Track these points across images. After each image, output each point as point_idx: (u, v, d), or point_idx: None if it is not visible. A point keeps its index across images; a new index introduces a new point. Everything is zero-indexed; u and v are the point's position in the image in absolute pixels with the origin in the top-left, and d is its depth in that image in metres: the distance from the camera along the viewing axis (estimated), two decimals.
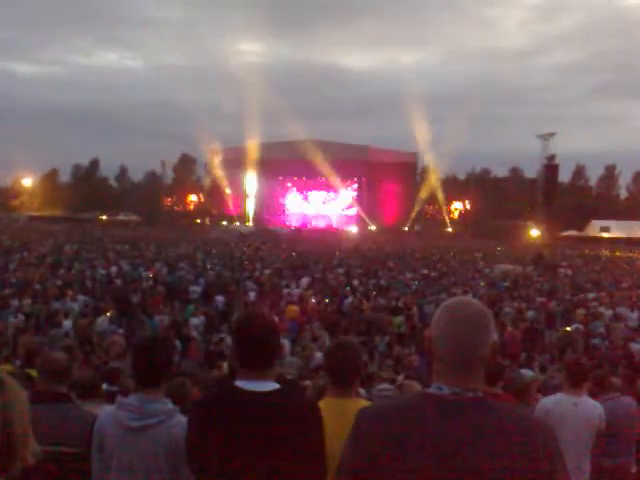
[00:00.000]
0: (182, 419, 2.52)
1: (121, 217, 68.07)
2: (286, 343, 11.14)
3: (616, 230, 61.55)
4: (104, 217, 68.23)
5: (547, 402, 4.51)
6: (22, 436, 1.49)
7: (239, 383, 2.27)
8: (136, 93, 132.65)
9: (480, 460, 1.56)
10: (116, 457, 2.50)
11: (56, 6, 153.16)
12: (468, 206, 66.85)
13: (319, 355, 9.17)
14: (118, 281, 17.80)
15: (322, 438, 2.25)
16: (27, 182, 74.69)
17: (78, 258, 24.38)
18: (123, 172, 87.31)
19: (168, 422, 2.52)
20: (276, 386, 2.28)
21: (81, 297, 14.19)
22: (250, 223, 60.12)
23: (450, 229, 60.45)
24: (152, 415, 2.51)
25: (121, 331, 10.54)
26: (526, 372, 7.56)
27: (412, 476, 1.59)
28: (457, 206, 67.68)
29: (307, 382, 6.42)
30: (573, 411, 4.29)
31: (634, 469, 4.96)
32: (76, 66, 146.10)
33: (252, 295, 16.70)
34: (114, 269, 20.77)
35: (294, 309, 14.62)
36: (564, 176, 69.59)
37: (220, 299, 15.78)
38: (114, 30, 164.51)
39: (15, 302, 12.72)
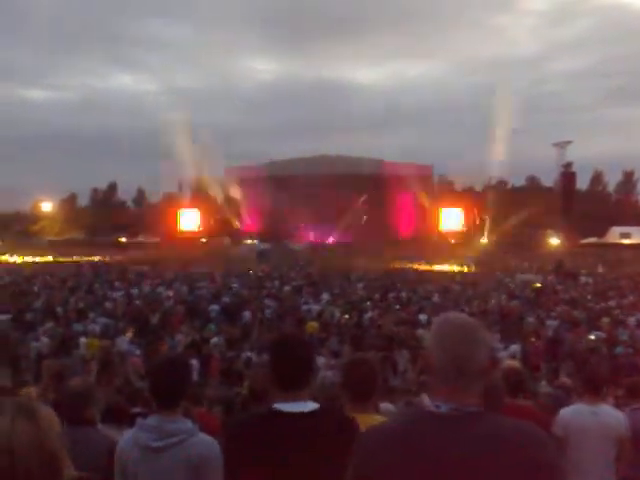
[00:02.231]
0: (203, 437, 2.52)
1: (140, 239, 68.62)
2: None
3: (637, 236, 60.82)
4: (123, 239, 68.86)
5: (566, 413, 4.41)
6: (63, 461, 1.51)
7: (277, 405, 2.25)
8: (150, 115, 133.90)
9: (482, 475, 1.55)
10: (138, 478, 2.50)
11: (69, 30, 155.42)
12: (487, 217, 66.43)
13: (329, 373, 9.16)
14: (138, 302, 17.92)
15: None
16: (46, 207, 75.60)
17: (98, 280, 24.60)
18: (140, 194, 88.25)
19: (189, 441, 2.51)
20: (315, 406, 2.27)
21: (102, 319, 14.29)
22: (267, 241, 60.26)
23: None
24: (172, 435, 2.51)
25: (138, 352, 10.58)
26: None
27: None
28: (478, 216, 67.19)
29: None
30: (593, 421, 4.21)
31: None
32: (90, 89, 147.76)
33: (268, 312, 16.69)
34: (134, 290, 20.93)
35: (314, 325, 14.63)
36: (582, 183, 69.19)
37: (247, 314, 15.89)
38: (128, 52, 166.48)
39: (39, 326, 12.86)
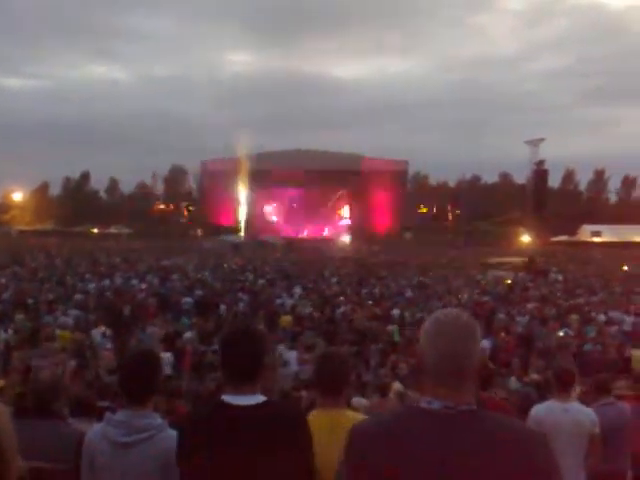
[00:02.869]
0: (172, 433, 2.52)
1: (112, 230, 67.89)
2: (285, 352, 11.13)
3: (607, 234, 61.89)
4: (95, 230, 68.04)
5: (539, 410, 4.48)
6: (11, 451, 1.49)
7: (226, 397, 2.27)
8: (126, 105, 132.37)
9: (476, 474, 1.56)
10: (107, 474, 2.49)
11: (44, 19, 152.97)
12: (459, 213, 67.02)
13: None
14: (109, 294, 17.72)
15: (311, 450, 2.25)
16: (17, 196, 74.36)
17: (69, 272, 24.26)
18: (114, 184, 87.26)
19: (158, 436, 2.50)
20: (262, 399, 2.27)
21: (73, 311, 14.11)
22: (242, 234, 60.03)
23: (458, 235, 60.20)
24: (142, 430, 2.49)
25: (109, 345, 10.49)
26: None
27: None
28: (452, 212, 67.75)
29: (303, 393, 6.41)
30: (565, 418, 4.28)
31: (630, 475, 4.95)
32: (65, 79, 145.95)
33: (241, 306, 16.64)
34: (106, 282, 20.70)
35: (287, 319, 14.64)
36: (554, 181, 70.13)
37: (222, 308, 15.83)
38: (103, 42, 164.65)
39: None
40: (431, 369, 1.68)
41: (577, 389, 6.32)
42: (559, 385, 4.56)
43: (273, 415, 2.26)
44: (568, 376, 4.56)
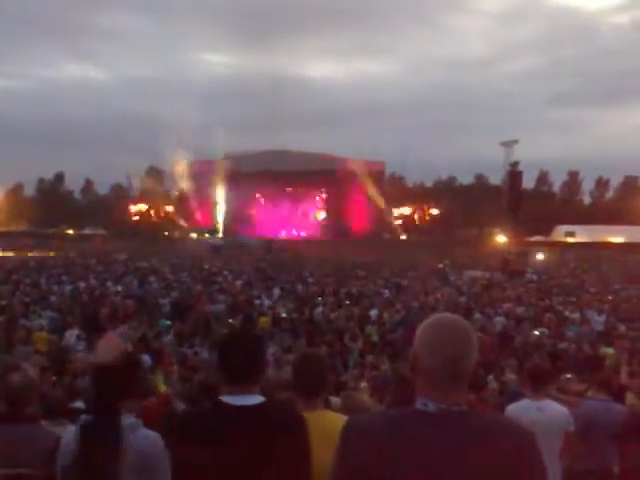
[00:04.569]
0: (147, 432, 2.52)
1: (87, 231, 67.16)
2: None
3: (581, 235, 62.75)
4: (70, 231, 67.22)
5: (514, 410, 4.52)
6: None
7: (225, 398, 2.27)
8: (101, 106, 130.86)
9: (470, 474, 1.58)
10: None
11: (17, 19, 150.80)
12: (436, 214, 67.39)
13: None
14: (85, 296, 17.55)
15: (309, 450, 2.25)
16: None
17: (44, 274, 23.97)
18: (89, 185, 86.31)
19: (132, 436, 2.50)
20: (262, 399, 2.29)
21: (48, 313, 13.95)
22: (220, 235, 59.78)
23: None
24: None
25: (81, 348, 10.40)
26: None
27: None
28: (428, 213, 68.08)
29: (282, 394, 6.40)
30: (540, 416, 4.33)
31: (616, 470, 5.01)
32: (39, 79, 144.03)
33: (221, 307, 16.56)
34: (82, 284, 20.49)
35: (266, 320, 14.63)
36: (528, 182, 70.89)
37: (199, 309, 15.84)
38: (77, 42, 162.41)
39: None
40: (427, 372, 1.69)
41: (578, 388, 6.42)
42: (533, 384, 4.62)
43: (274, 415, 2.27)
44: (541, 376, 4.62)
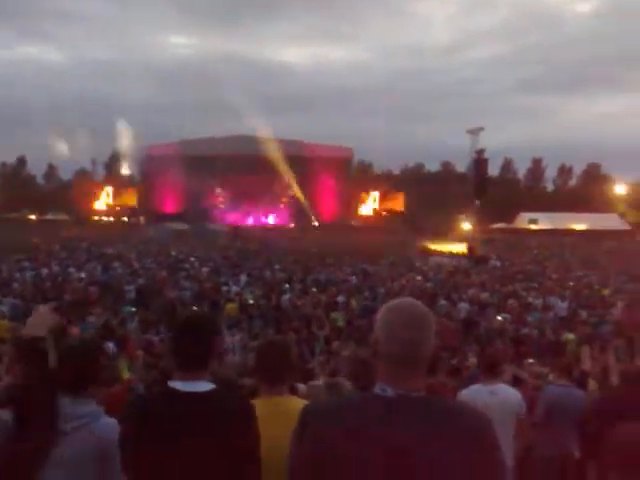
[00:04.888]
0: (109, 420, 2.52)
1: (50, 216, 65.87)
2: (229, 340, 11.13)
3: (544, 222, 63.85)
4: (32, 216, 65.87)
5: (467, 394, 4.55)
6: None
7: (174, 384, 2.27)
8: (62, 88, 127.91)
9: (428, 458, 1.59)
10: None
11: None
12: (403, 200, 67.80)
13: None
14: (48, 283, 17.26)
15: (257, 439, 2.26)
16: None
17: (5, 259, 23.47)
18: (52, 170, 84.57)
19: (94, 424, 2.49)
20: (211, 386, 2.28)
21: (10, 300, 13.69)
22: (185, 221, 59.21)
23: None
24: (77, 418, 2.48)
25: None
26: None
27: (362, 476, 1.60)
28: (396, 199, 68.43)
29: (246, 380, 6.41)
30: (492, 400, 4.36)
31: (577, 455, 5.10)
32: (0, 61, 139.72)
33: (187, 294, 16.45)
34: (44, 270, 20.14)
35: (233, 307, 14.58)
36: (493, 169, 71.74)
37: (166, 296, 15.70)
38: (37, 23, 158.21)
39: None
40: (386, 356, 1.71)
41: (550, 376, 6.52)
42: (485, 369, 4.69)
43: (222, 402, 2.27)
44: (493, 360, 4.68)
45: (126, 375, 6.45)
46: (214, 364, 2.44)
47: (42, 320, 2.16)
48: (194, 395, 2.23)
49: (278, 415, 2.48)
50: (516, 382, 5.95)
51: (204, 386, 2.27)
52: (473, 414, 1.72)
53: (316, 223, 60.41)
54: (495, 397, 4.41)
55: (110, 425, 2.50)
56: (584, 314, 14.48)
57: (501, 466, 1.67)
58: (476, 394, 4.46)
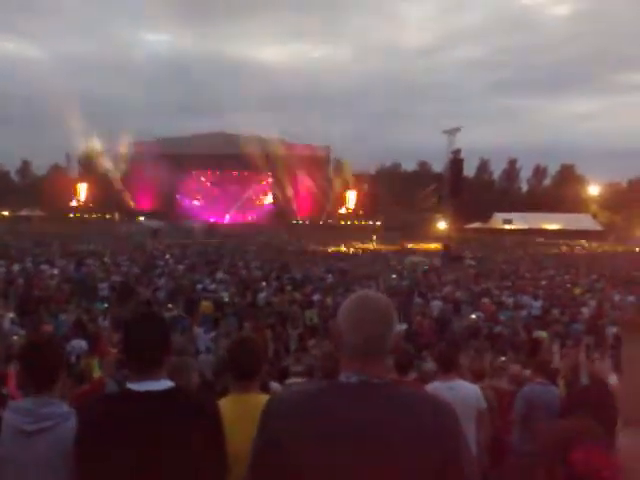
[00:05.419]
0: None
1: (24, 212, 64.93)
2: (202, 335, 11.06)
3: (518, 222, 64.59)
4: (6, 213, 64.87)
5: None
6: None
7: (130, 385, 2.22)
8: (35, 83, 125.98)
9: (389, 443, 1.61)
10: (10, 462, 2.40)
11: None
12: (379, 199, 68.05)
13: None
14: (20, 279, 17.00)
15: (221, 436, 2.21)
16: None
17: None
18: (26, 166, 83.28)
19: (63, 425, 2.43)
20: (169, 384, 2.23)
21: None
22: (160, 218, 58.78)
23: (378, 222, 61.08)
24: (46, 418, 2.42)
25: (22, 332, 10.07)
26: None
27: (324, 463, 1.62)
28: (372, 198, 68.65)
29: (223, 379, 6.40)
30: (451, 395, 4.38)
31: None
32: None
33: (162, 294, 16.25)
34: (16, 267, 19.84)
35: (208, 305, 14.49)
36: (469, 170, 72.34)
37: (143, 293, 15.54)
38: (11, 19, 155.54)
39: None
40: (348, 345, 1.73)
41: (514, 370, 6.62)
42: (441, 366, 4.84)
43: (180, 400, 2.22)
44: (448, 358, 4.83)
45: (97, 373, 6.38)
46: (169, 362, 2.38)
47: None
48: (149, 394, 2.17)
49: (246, 413, 2.47)
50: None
51: (161, 384, 2.20)
52: (435, 400, 1.76)
53: (294, 221, 60.35)
54: (453, 392, 4.47)
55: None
56: (556, 312, 14.68)
57: (467, 451, 1.71)
58: (434, 390, 4.53)
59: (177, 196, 61.85)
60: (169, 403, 2.19)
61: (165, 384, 2.23)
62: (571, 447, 1.88)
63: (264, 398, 2.75)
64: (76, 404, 2.72)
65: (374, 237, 46.34)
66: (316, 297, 16.15)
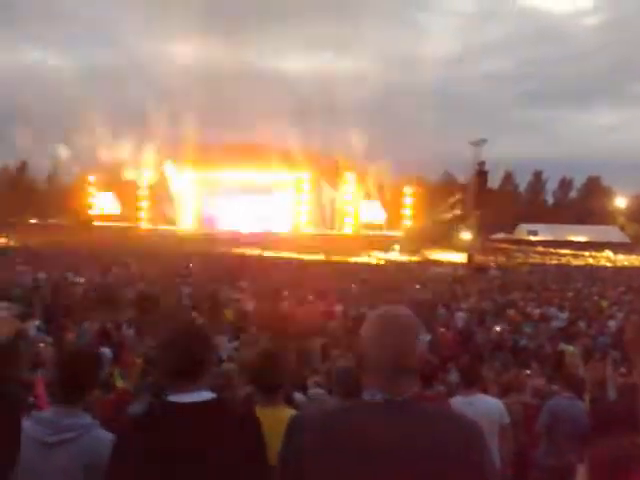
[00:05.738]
0: (101, 433, 2.42)
1: (51, 221, 65.85)
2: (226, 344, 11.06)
3: (543, 233, 63.87)
4: (34, 221, 65.88)
5: None
6: None
7: (171, 397, 2.18)
8: (65, 94, 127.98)
9: (417, 462, 1.59)
10: (30, 474, 2.34)
11: None
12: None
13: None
14: (46, 287, 17.22)
15: (262, 447, 2.18)
16: None
17: (5, 264, 23.47)
18: (53, 174, 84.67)
19: (85, 437, 2.40)
20: (211, 395, 2.19)
21: (5, 304, 13.62)
22: (187, 227, 59.27)
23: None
24: (68, 429, 2.40)
25: (49, 339, 10.16)
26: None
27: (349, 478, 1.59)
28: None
29: (248, 388, 6.36)
30: (470, 411, 4.36)
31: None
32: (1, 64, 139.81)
33: (186, 300, 16.39)
34: (42, 275, 20.12)
35: (230, 313, 14.53)
36: (494, 182, 71.84)
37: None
38: (38, 27, 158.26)
39: None
40: (373, 363, 1.71)
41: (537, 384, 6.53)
42: (463, 381, 4.81)
43: (223, 411, 2.19)
44: (470, 373, 4.79)
45: (120, 383, 6.37)
46: (211, 372, 2.36)
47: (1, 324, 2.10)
48: (191, 405, 2.13)
49: (270, 425, 2.44)
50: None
51: (202, 395, 2.17)
52: (460, 418, 1.74)
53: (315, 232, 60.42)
54: (473, 407, 4.41)
55: (102, 439, 2.38)
56: (583, 325, 14.44)
57: (492, 466, 1.69)
58: (454, 405, 4.50)
59: (202, 206, 62.24)
60: (209, 413, 2.14)
61: (206, 395, 2.18)
62: (625, 471, 1.74)
63: (289, 412, 2.74)
64: (99, 413, 2.71)
65: (397, 247, 46.20)
66: (338, 307, 16.10)
